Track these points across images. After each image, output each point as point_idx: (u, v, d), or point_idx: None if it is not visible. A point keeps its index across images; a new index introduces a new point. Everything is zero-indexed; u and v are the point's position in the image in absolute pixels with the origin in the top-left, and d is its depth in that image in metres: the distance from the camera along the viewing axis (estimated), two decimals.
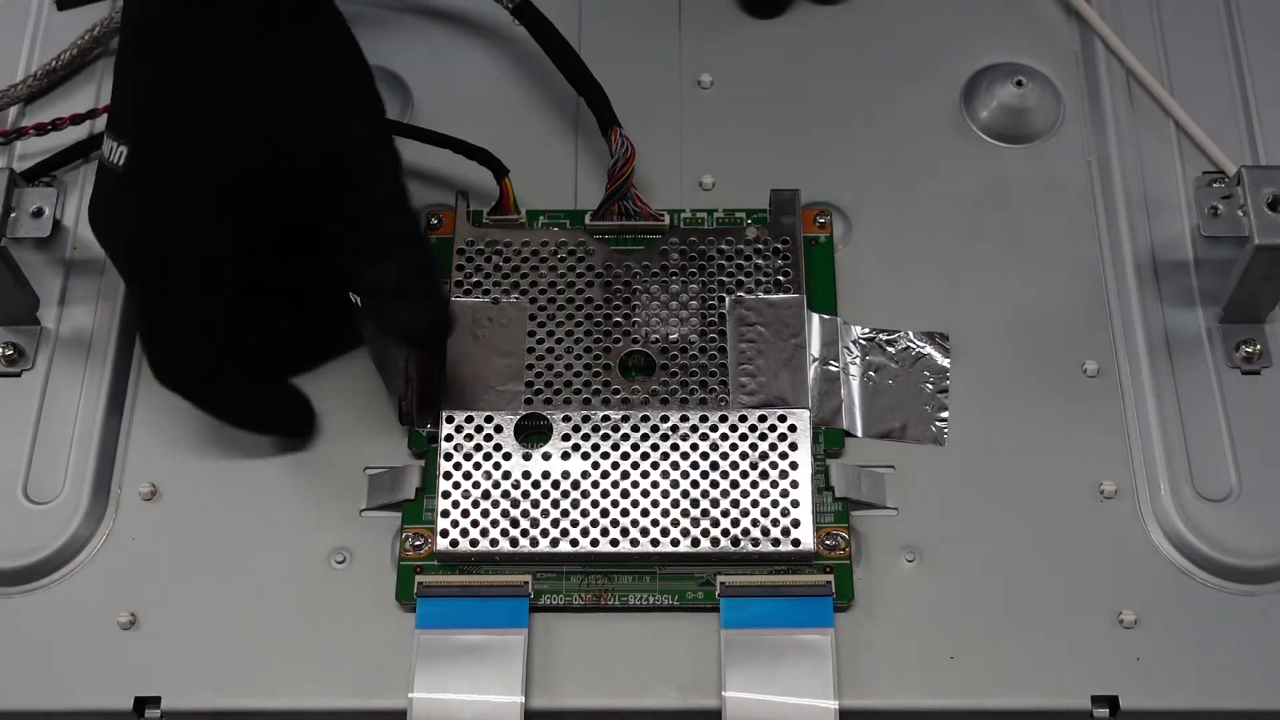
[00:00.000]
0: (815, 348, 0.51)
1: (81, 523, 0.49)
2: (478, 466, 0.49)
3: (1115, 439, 0.50)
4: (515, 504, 0.48)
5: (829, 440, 0.50)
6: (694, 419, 0.49)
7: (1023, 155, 0.55)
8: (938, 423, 0.50)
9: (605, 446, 0.49)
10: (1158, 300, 0.52)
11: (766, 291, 0.51)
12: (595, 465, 0.48)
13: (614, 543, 0.48)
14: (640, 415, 0.49)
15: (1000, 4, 0.59)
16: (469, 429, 0.49)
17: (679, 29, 0.59)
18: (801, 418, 0.49)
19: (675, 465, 0.48)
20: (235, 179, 0.46)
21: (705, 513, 0.48)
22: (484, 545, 0.48)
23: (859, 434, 0.50)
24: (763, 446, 0.49)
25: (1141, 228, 0.54)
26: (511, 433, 0.49)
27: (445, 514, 0.48)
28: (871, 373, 0.51)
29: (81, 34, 0.57)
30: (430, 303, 0.48)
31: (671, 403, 0.49)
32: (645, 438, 0.49)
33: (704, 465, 0.48)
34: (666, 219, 0.53)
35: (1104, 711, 0.46)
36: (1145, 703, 0.46)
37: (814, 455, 0.49)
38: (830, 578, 0.47)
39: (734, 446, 0.49)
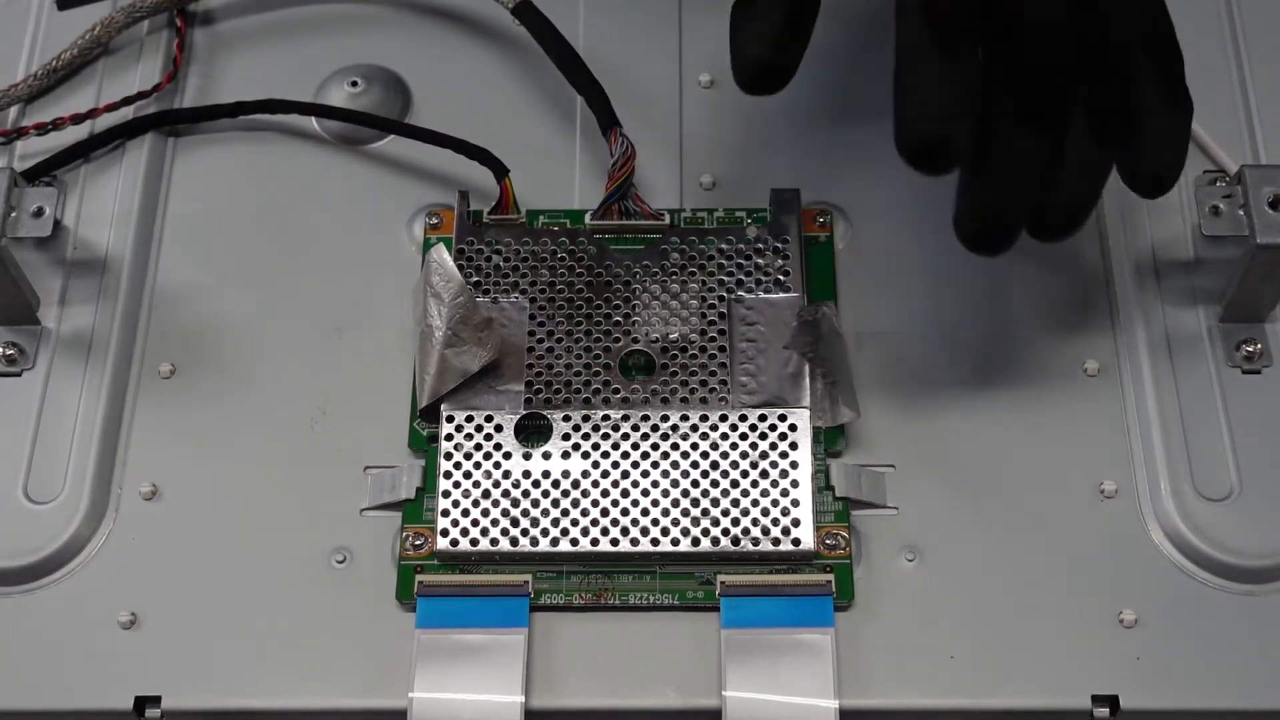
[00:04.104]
0: None
1: (81, 523, 0.49)
2: (478, 466, 0.49)
3: (1115, 439, 0.50)
4: (515, 503, 0.48)
5: (829, 440, 0.50)
6: (694, 419, 0.49)
7: None
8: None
9: (605, 446, 0.49)
10: (1158, 300, 0.52)
11: (766, 291, 0.51)
12: (595, 465, 0.48)
13: (614, 542, 0.48)
14: (640, 415, 0.49)
15: None
16: (469, 428, 0.49)
17: (679, 29, 0.59)
18: (801, 417, 0.49)
19: (675, 465, 0.48)
20: None
21: (705, 512, 0.48)
22: (484, 545, 0.48)
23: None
24: (763, 446, 0.49)
25: (1142, 227, 0.54)
26: (511, 432, 0.49)
27: (445, 513, 0.48)
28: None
29: (81, 34, 0.57)
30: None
31: (671, 402, 0.49)
32: (645, 437, 0.49)
33: (704, 465, 0.48)
34: (666, 219, 0.53)
35: (1104, 711, 0.46)
36: (1145, 703, 0.46)
37: (814, 455, 0.49)
38: (830, 577, 0.47)
39: (734, 446, 0.49)
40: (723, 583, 0.48)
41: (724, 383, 0.50)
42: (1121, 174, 0.47)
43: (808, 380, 0.49)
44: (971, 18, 0.44)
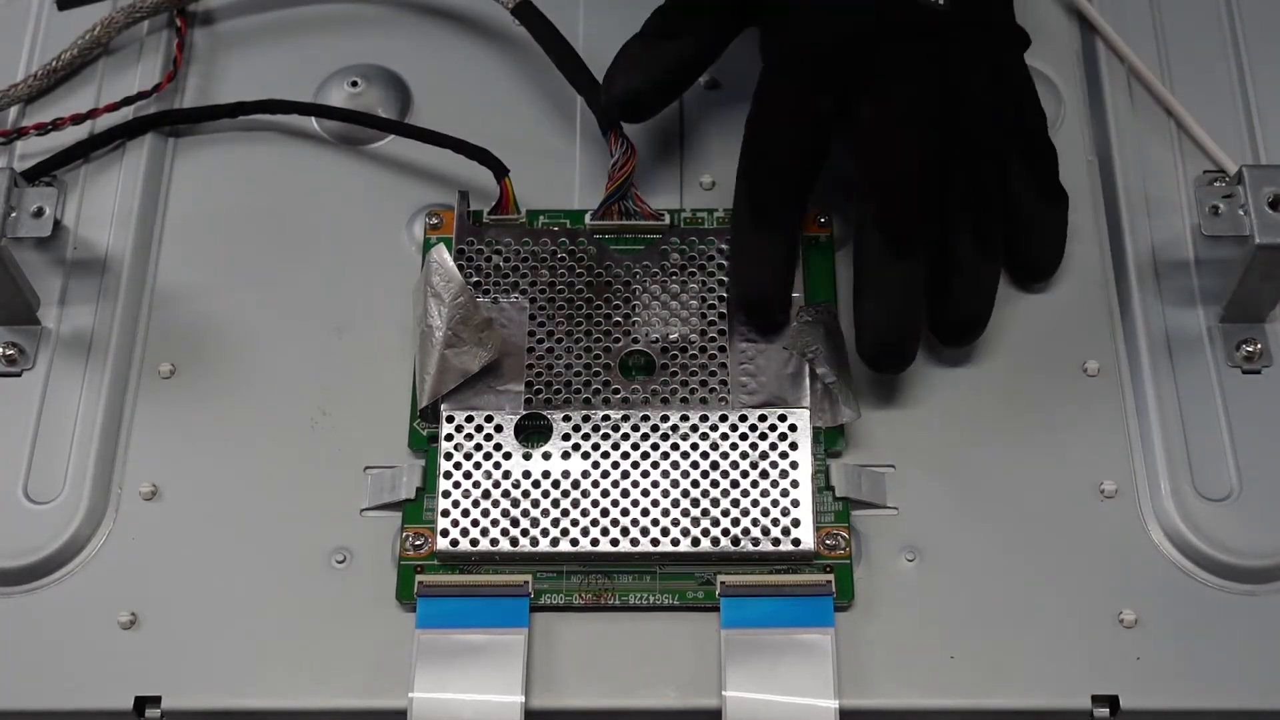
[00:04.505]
0: None
1: (81, 523, 0.49)
2: (478, 466, 0.49)
3: (1115, 439, 0.50)
4: (515, 504, 0.48)
5: (829, 440, 0.50)
6: (694, 419, 0.49)
7: None
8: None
9: (605, 446, 0.49)
10: (1158, 300, 0.52)
11: None
12: (595, 465, 0.48)
13: (614, 542, 0.48)
14: (640, 415, 0.49)
15: None
16: (469, 429, 0.49)
17: None
18: (801, 417, 0.49)
19: (675, 465, 0.48)
20: None
21: (705, 512, 0.48)
22: (484, 545, 0.48)
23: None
24: (763, 446, 0.49)
25: (1142, 227, 0.54)
26: (511, 432, 0.49)
27: (445, 514, 0.48)
28: None
29: (81, 34, 0.57)
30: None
31: (671, 403, 0.49)
32: (645, 437, 0.49)
33: (704, 465, 0.48)
34: (666, 219, 0.53)
35: (1104, 711, 0.46)
36: (1145, 703, 0.46)
37: (814, 455, 0.49)
38: (830, 577, 0.47)
39: (734, 446, 0.49)
40: (723, 583, 0.47)
41: (724, 383, 0.50)
42: (1009, 264, 0.52)
43: (808, 380, 0.49)
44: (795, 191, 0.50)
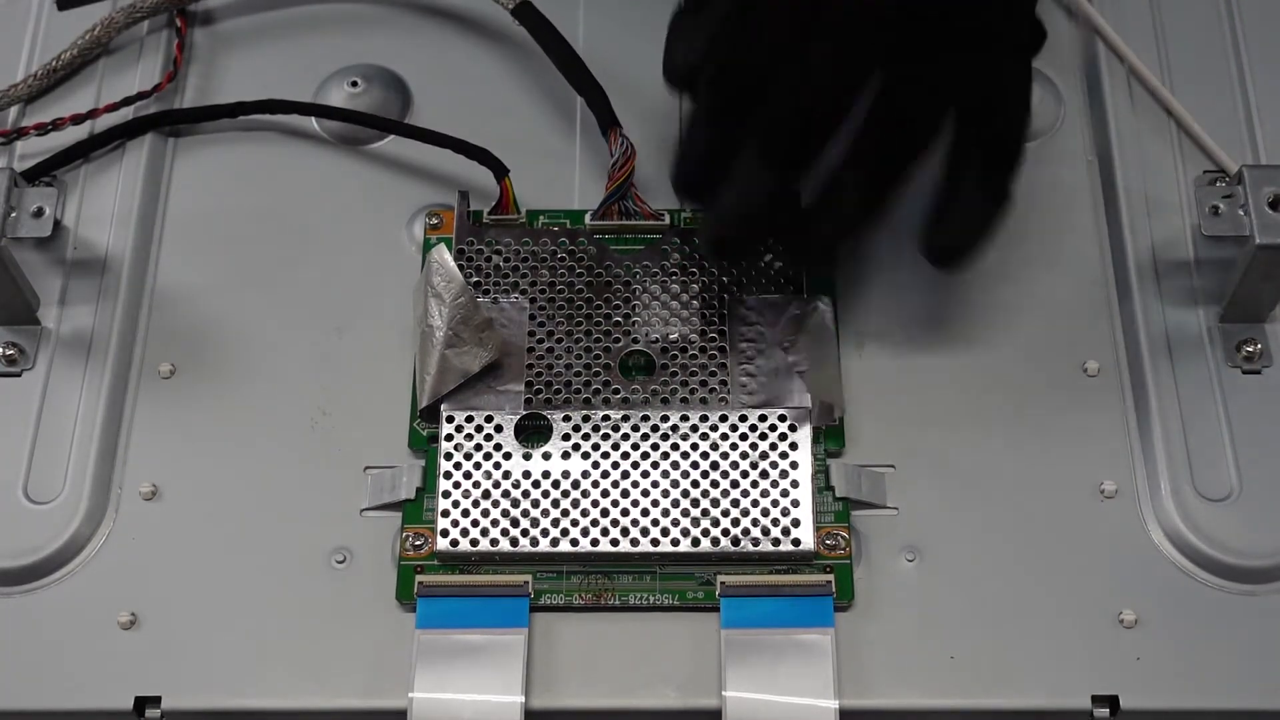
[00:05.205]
0: None
1: (81, 523, 0.49)
2: (478, 466, 0.49)
3: (1115, 439, 0.50)
4: (515, 504, 0.48)
5: (829, 440, 0.50)
6: (694, 419, 0.49)
7: None
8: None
9: (605, 446, 0.49)
10: (1158, 300, 0.52)
11: (766, 291, 0.51)
12: (595, 465, 0.48)
13: (614, 542, 0.48)
14: (640, 415, 0.49)
15: None
16: (469, 429, 0.49)
17: None
18: (802, 418, 0.49)
19: (675, 465, 0.48)
20: None
21: (705, 512, 0.48)
22: (484, 545, 0.48)
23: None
24: (763, 446, 0.49)
25: (1142, 227, 0.54)
26: (511, 432, 0.49)
27: (445, 514, 0.48)
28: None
29: (81, 34, 0.57)
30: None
31: (671, 403, 0.49)
32: (645, 437, 0.49)
33: (704, 465, 0.48)
34: (666, 219, 0.53)
35: (1104, 711, 0.46)
36: (1145, 703, 0.46)
37: (814, 455, 0.49)
38: (830, 577, 0.47)
39: (734, 446, 0.49)
40: (723, 583, 0.47)
41: (724, 383, 0.50)
42: (920, 237, 0.49)
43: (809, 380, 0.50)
44: (746, 94, 0.47)
